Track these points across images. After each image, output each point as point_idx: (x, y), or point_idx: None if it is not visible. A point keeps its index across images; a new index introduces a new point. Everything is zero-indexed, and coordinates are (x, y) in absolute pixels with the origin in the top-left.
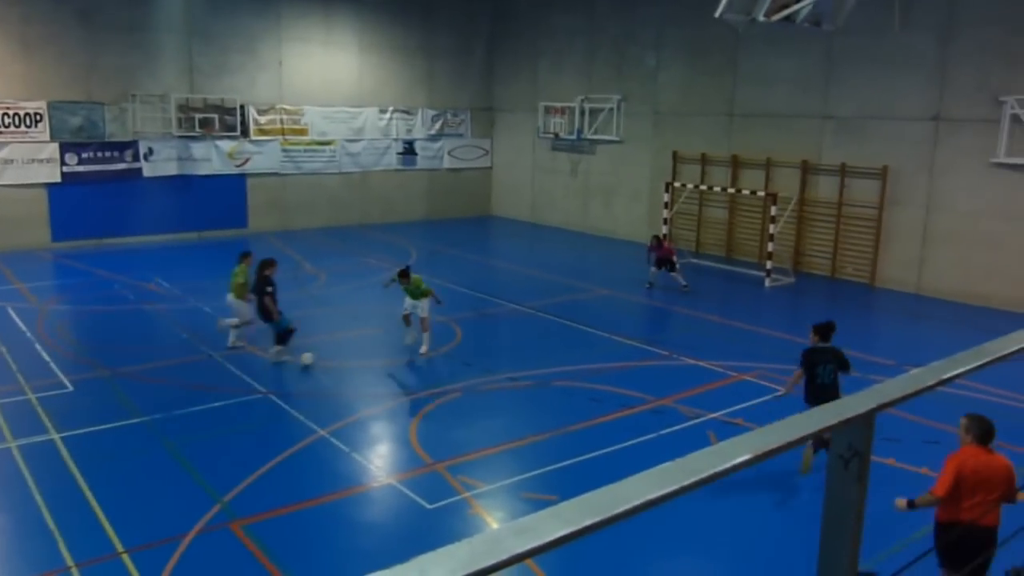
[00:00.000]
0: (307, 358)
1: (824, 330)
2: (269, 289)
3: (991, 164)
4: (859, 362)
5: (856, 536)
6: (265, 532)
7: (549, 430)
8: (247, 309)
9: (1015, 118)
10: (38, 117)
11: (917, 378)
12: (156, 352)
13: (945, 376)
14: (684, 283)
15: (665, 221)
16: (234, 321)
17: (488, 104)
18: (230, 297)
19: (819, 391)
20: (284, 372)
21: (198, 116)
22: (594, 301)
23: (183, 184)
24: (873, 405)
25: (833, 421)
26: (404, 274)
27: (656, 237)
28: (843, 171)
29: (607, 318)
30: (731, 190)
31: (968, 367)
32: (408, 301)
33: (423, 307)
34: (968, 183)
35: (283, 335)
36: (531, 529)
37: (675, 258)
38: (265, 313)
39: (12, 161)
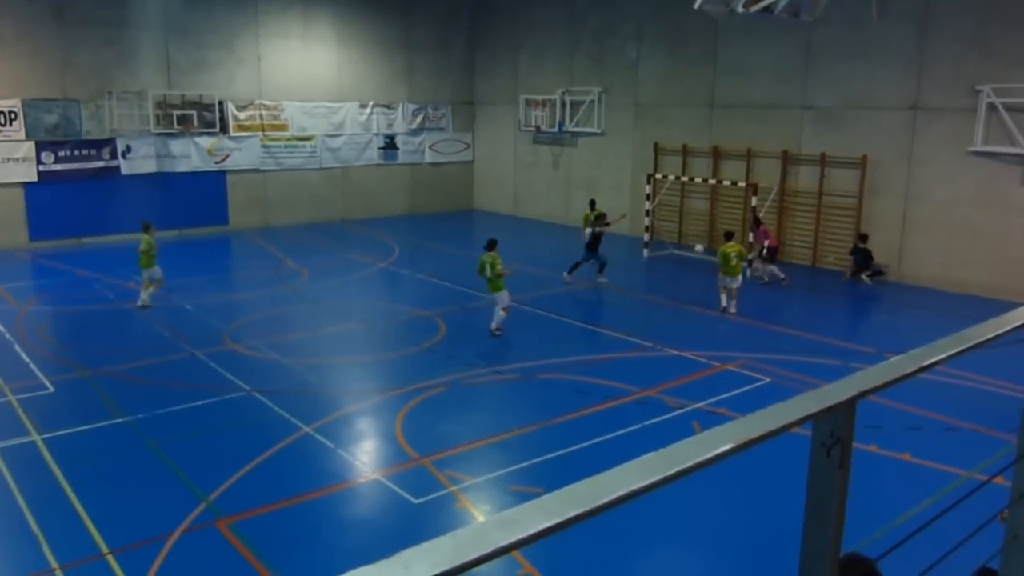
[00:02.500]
0: (567, 277)
1: (863, 237)
2: (599, 230)
3: (968, 153)
4: (840, 350)
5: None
6: (251, 530)
7: (534, 423)
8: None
9: (991, 107)
10: (13, 115)
11: (898, 365)
12: (138, 351)
13: (925, 363)
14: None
15: (647, 212)
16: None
17: (469, 98)
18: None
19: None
20: (267, 369)
21: (176, 113)
22: (578, 293)
23: (162, 182)
24: (855, 392)
25: (815, 408)
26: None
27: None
28: (823, 161)
29: (591, 310)
30: (712, 181)
31: (948, 354)
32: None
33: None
34: (946, 172)
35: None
36: (515, 521)
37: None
38: (596, 243)
39: None
